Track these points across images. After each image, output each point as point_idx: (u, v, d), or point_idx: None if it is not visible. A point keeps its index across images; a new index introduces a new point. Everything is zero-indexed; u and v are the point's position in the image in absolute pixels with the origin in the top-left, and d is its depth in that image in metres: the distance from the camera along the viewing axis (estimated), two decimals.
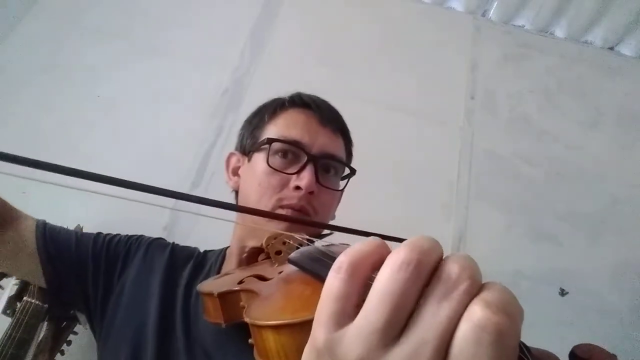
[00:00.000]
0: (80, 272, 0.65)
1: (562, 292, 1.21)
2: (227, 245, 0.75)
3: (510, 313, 0.19)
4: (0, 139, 1.19)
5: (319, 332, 0.21)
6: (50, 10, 1.45)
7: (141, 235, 0.74)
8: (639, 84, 1.61)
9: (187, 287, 0.66)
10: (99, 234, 0.71)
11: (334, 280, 0.22)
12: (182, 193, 0.38)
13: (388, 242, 0.24)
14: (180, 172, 1.26)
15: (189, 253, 0.74)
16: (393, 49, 1.58)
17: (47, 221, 0.69)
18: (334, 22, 1.60)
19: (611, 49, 1.69)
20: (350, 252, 0.22)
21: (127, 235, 0.73)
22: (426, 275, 0.20)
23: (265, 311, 0.37)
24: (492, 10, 1.68)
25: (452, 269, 0.20)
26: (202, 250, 0.77)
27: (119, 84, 1.36)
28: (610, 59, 1.66)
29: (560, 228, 1.33)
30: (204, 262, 0.72)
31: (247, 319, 0.35)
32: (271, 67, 1.47)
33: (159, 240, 0.75)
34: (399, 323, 0.20)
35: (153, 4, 1.52)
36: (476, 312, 0.19)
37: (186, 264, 0.70)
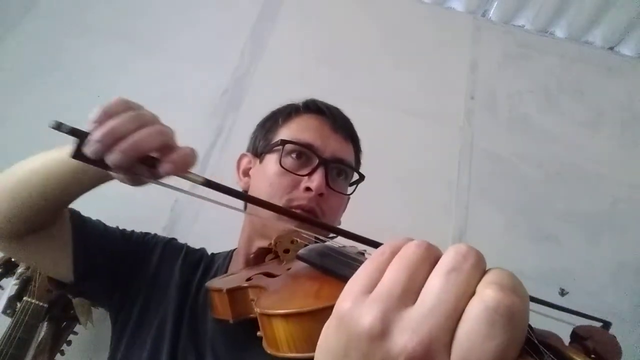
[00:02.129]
0: (109, 260, 0.65)
1: (562, 292, 1.22)
2: (234, 248, 0.75)
3: (521, 295, 0.20)
4: (0, 138, 1.19)
5: (345, 300, 0.23)
6: (50, 10, 1.45)
7: (155, 234, 0.75)
8: (639, 84, 1.61)
9: (197, 287, 0.66)
10: (117, 227, 0.72)
11: (372, 259, 0.25)
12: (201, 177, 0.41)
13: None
14: None
15: (200, 255, 0.75)
16: (393, 48, 1.58)
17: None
18: (333, 22, 1.61)
19: (611, 49, 1.69)
20: (388, 242, 0.26)
21: (141, 232, 0.74)
22: (435, 255, 0.23)
23: (275, 301, 0.37)
24: (492, 10, 1.68)
25: (460, 247, 0.22)
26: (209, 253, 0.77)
27: (119, 84, 1.36)
28: (610, 59, 1.66)
29: (560, 228, 1.33)
30: (212, 264, 0.73)
31: (256, 309, 0.36)
32: (271, 67, 1.47)
33: (174, 241, 0.76)
34: (412, 291, 0.22)
35: (153, 4, 1.52)
36: (489, 294, 0.20)
37: (198, 267, 0.71)
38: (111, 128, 0.38)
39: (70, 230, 0.61)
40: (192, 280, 0.68)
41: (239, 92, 1.41)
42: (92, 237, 0.64)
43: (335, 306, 0.24)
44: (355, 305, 0.23)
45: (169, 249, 0.72)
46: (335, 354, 0.23)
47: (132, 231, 0.72)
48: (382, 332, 0.21)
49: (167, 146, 0.41)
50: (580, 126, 1.52)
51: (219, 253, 0.77)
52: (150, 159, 0.40)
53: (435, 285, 0.21)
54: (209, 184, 0.41)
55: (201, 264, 0.72)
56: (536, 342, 0.21)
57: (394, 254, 0.24)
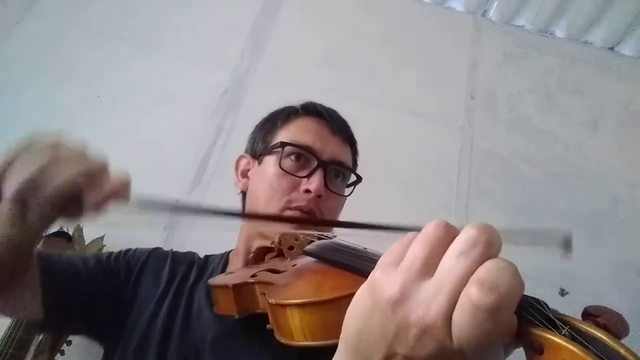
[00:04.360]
0: (88, 296, 0.62)
1: (562, 292, 1.22)
2: (229, 250, 0.75)
3: (502, 293, 0.22)
4: (0, 138, 1.19)
5: (376, 272, 0.27)
6: (50, 10, 1.45)
7: (137, 248, 0.73)
8: (639, 84, 1.62)
9: (190, 290, 0.66)
10: (93, 256, 0.68)
11: (400, 239, 0.28)
12: (193, 206, 0.39)
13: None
14: (180, 172, 1.26)
15: (190, 259, 0.74)
16: (393, 48, 1.58)
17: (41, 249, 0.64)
18: (333, 21, 1.61)
19: (611, 49, 1.69)
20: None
21: (120, 250, 0.71)
22: (453, 234, 0.26)
23: (289, 292, 0.39)
24: (492, 10, 1.68)
25: (472, 231, 0.25)
26: (201, 255, 0.76)
27: (119, 84, 1.36)
28: (610, 59, 1.66)
29: (560, 228, 1.33)
30: (206, 266, 0.72)
31: (271, 300, 0.37)
32: (271, 67, 1.47)
33: (158, 250, 0.74)
34: (429, 266, 0.25)
35: (153, 4, 1.52)
36: (472, 292, 0.22)
37: (189, 270, 0.70)
38: (20, 183, 0.36)
39: (38, 275, 0.57)
40: (184, 283, 0.67)
41: (239, 92, 1.41)
42: (63, 281, 0.60)
43: (368, 279, 0.27)
44: (383, 274, 0.26)
45: (152, 259, 0.70)
46: (362, 315, 0.27)
47: (110, 253, 0.70)
48: (401, 299, 0.25)
49: (93, 178, 0.38)
50: (580, 126, 1.52)
51: (213, 255, 0.76)
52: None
53: (447, 264, 0.25)
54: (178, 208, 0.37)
55: (193, 266, 0.71)
56: (553, 317, 0.23)
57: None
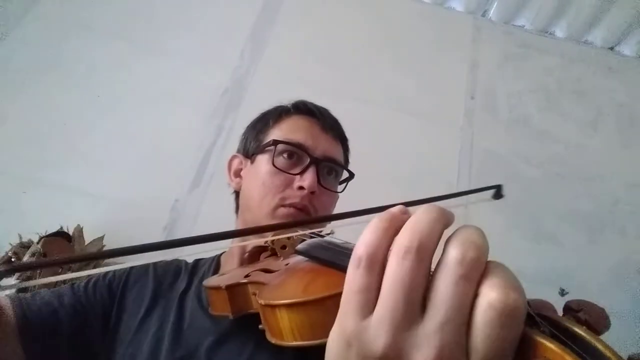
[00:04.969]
0: (70, 333, 0.59)
1: (562, 292, 1.22)
2: (219, 253, 0.74)
3: (520, 290, 0.21)
4: (0, 138, 1.19)
5: (347, 322, 0.23)
6: (50, 10, 1.45)
7: (114, 270, 0.70)
8: (639, 84, 1.62)
9: (180, 298, 0.64)
10: (72, 285, 0.66)
11: (355, 275, 0.23)
12: (185, 239, 0.37)
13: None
14: (180, 171, 1.26)
15: (176, 266, 0.72)
16: (393, 48, 1.58)
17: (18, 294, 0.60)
18: (333, 22, 1.61)
19: (611, 49, 1.69)
20: (364, 244, 0.23)
21: (98, 275, 0.69)
22: (429, 257, 0.22)
23: (278, 293, 0.38)
24: (492, 10, 1.69)
25: (456, 251, 0.21)
26: (190, 260, 0.75)
27: (119, 84, 1.36)
28: (610, 59, 1.67)
29: (560, 228, 1.33)
30: (195, 270, 0.72)
31: (260, 301, 0.37)
32: (271, 67, 1.47)
33: (136, 266, 0.71)
34: (415, 305, 0.21)
35: (153, 5, 1.52)
36: (496, 299, 0.20)
37: (177, 278, 0.69)
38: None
39: (13, 321, 0.55)
40: (171, 292, 0.66)
41: (239, 92, 1.41)
42: (40, 325, 0.57)
43: (338, 325, 0.24)
44: (362, 328, 0.22)
45: (133, 275, 0.69)
46: None
47: (87, 282, 0.67)
48: (398, 354, 0.21)
49: None
50: (580, 126, 1.52)
51: (203, 259, 0.76)
52: None
53: (446, 294, 0.21)
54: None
55: (180, 273, 0.70)
56: (532, 313, 0.22)
57: (372, 261, 0.23)
